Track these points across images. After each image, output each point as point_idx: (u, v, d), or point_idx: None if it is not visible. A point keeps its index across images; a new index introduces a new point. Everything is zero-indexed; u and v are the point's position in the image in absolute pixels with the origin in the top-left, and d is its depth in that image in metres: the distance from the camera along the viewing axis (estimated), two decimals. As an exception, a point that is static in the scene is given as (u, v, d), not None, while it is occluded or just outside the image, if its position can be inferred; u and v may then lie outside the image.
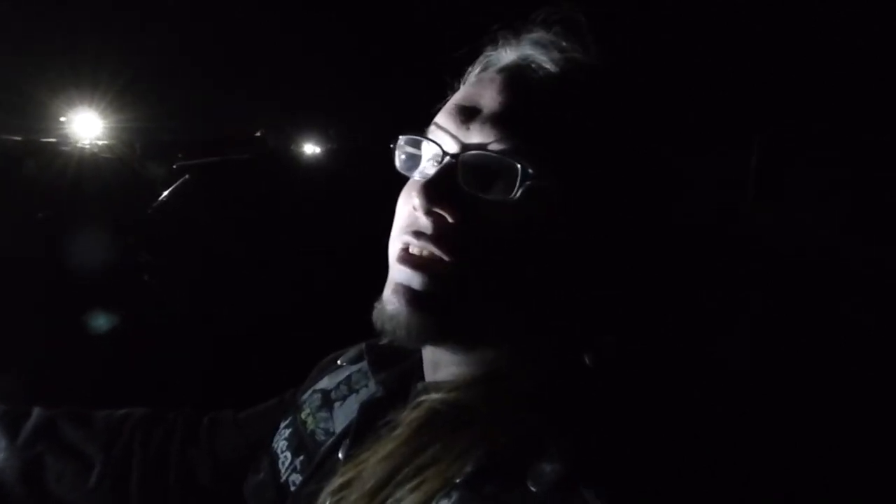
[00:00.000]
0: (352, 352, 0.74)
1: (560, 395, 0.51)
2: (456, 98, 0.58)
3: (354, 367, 0.72)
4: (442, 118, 0.57)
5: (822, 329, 3.90)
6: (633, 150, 0.57)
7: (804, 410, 2.68)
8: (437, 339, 0.55)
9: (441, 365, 0.59)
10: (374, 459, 0.52)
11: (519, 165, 0.51)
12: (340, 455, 0.61)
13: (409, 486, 0.49)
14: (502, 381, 0.53)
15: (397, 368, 0.66)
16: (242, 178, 6.30)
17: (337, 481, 0.54)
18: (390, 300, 0.53)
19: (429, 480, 0.48)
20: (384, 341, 0.65)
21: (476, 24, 0.62)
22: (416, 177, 0.57)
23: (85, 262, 3.91)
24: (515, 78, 0.55)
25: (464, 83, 0.61)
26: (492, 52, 0.60)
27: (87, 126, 11.50)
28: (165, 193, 5.87)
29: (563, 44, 0.56)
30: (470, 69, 0.61)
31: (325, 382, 0.73)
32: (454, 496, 0.47)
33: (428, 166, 0.57)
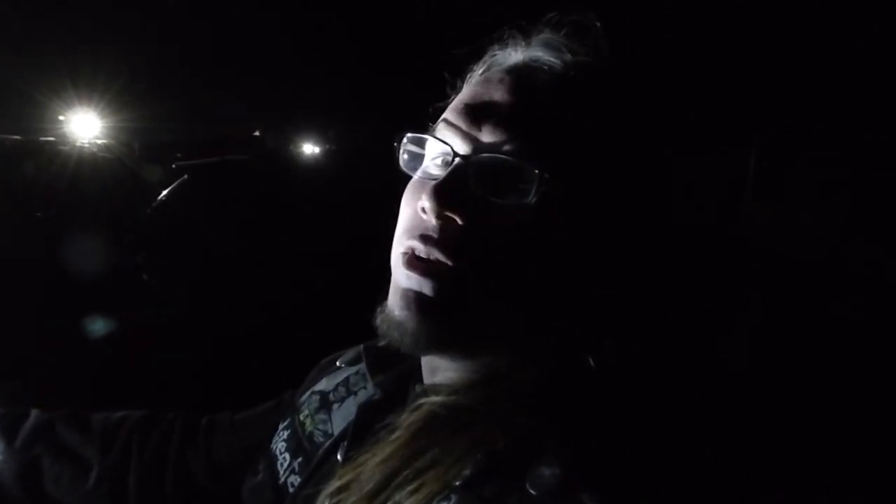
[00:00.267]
0: (350, 353, 0.74)
1: (560, 397, 0.51)
2: (464, 97, 0.57)
3: (353, 369, 0.72)
4: (451, 117, 0.55)
5: (821, 329, 3.90)
6: (634, 150, 0.56)
7: (804, 410, 2.68)
8: (442, 347, 0.55)
9: (439, 367, 0.58)
10: (373, 462, 0.52)
11: (536, 170, 0.50)
12: (339, 457, 0.61)
13: (407, 489, 0.48)
14: (501, 382, 0.53)
15: (395, 371, 0.66)
16: (241, 178, 6.29)
17: (335, 484, 0.54)
18: (398, 306, 0.52)
19: (427, 483, 0.48)
20: (382, 343, 0.65)
21: (476, 24, 0.61)
22: (420, 175, 0.57)
23: (83, 261, 3.91)
24: (526, 79, 0.55)
25: (467, 82, 0.60)
26: (498, 52, 0.59)
27: (85, 126, 11.50)
28: (164, 193, 5.87)
29: (573, 46, 0.55)
30: (474, 68, 0.60)
31: (324, 384, 0.72)
32: (453, 499, 0.47)
33: (432, 165, 0.56)
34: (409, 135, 0.58)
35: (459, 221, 0.51)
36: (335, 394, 0.70)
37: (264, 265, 4.52)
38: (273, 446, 0.70)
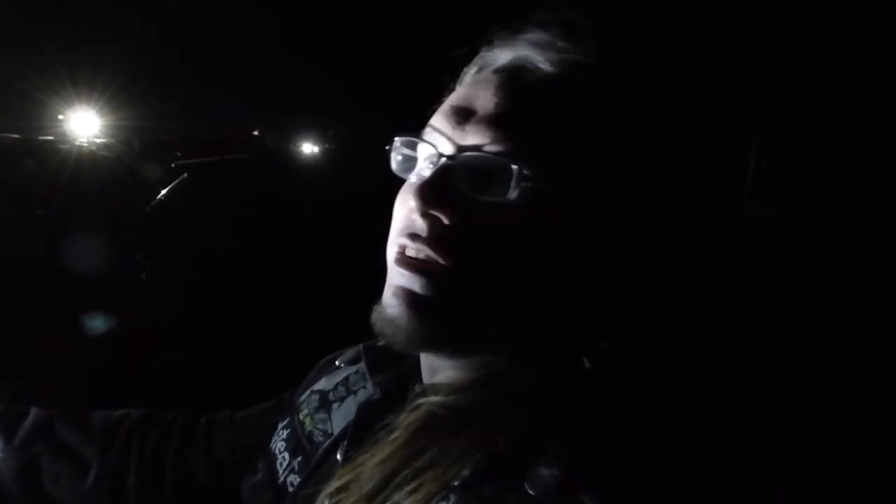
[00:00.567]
0: (350, 353, 0.74)
1: (559, 397, 0.51)
2: (451, 99, 0.58)
3: (352, 369, 0.72)
4: (437, 119, 0.56)
5: (821, 329, 3.91)
6: (631, 150, 0.56)
7: (804, 410, 2.68)
8: (436, 346, 0.55)
9: (439, 367, 0.58)
10: (372, 463, 0.52)
11: (514, 166, 0.50)
12: (339, 457, 0.61)
13: (406, 489, 0.48)
14: (501, 382, 0.53)
15: (395, 370, 0.66)
16: (241, 177, 6.29)
17: (335, 484, 0.54)
18: (390, 303, 0.53)
19: (426, 484, 0.48)
20: (382, 343, 0.65)
21: (476, 25, 0.61)
22: (413, 178, 0.57)
23: (83, 260, 3.91)
24: (511, 79, 0.55)
25: (460, 84, 0.61)
26: (487, 53, 0.59)
27: (84, 124, 11.48)
28: (163, 192, 5.87)
29: (560, 44, 0.55)
30: (466, 70, 0.61)
31: (323, 383, 0.72)
32: (452, 499, 0.47)
33: (424, 168, 0.57)
34: (399, 139, 0.59)
35: (446, 220, 0.52)
36: (335, 393, 0.70)
37: (264, 265, 4.52)
38: (272, 445, 0.70)
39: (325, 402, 0.70)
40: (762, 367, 3.11)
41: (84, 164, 5.81)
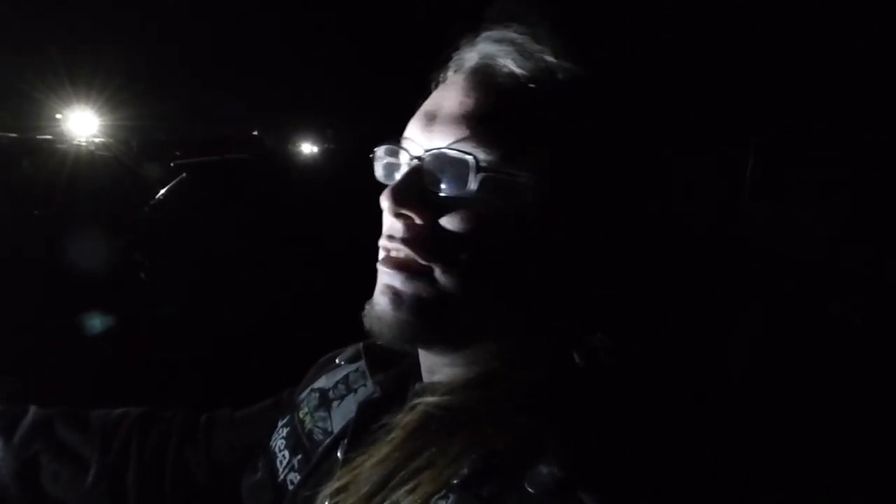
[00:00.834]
0: (350, 351, 0.74)
1: (558, 396, 0.51)
2: (424, 104, 0.59)
3: (352, 367, 0.72)
4: (411, 124, 0.58)
5: (821, 329, 3.91)
6: (620, 148, 0.56)
7: (804, 411, 2.68)
8: (423, 340, 0.56)
9: (437, 366, 0.59)
10: (370, 463, 0.52)
11: (469, 157, 0.51)
12: (339, 455, 0.61)
13: (404, 489, 0.48)
14: (499, 382, 0.53)
15: (395, 369, 0.66)
16: (240, 177, 6.30)
17: (334, 485, 0.54)
18: (378, 301, 0.55)
19: (424, 483, 0.48)
20: (382, 342, 0.65)
21: (475, 24, 0.61)
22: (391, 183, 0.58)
23: (81, 260, 3.91)
24: (476, 78, 0.56)
25: (435, 87, 0.61)
26: (457, 55, 0.60)
27: (83, 124, 11.48)
28: (162, 192, 5.87)
29: (521, 40, 0.55)
30: (441, 74, 0.62)
31: (323, 381, 0.73)
32: (451, 498, 0.47)
33: (402, 171, 0.57)
34: (379, 148, 0.60)
35: (417, 219, 0.53)
36: (335, 391, 0.70)
37: (264, 265, 4.52)
38: (272, 444, 0.70)
39: (325, 401, 0.70)
40: (762, 366, 3.12)
41: (82, 164, 5.81)
